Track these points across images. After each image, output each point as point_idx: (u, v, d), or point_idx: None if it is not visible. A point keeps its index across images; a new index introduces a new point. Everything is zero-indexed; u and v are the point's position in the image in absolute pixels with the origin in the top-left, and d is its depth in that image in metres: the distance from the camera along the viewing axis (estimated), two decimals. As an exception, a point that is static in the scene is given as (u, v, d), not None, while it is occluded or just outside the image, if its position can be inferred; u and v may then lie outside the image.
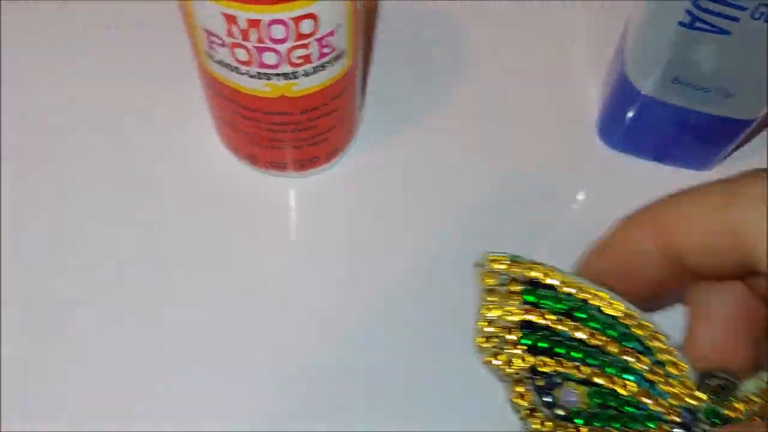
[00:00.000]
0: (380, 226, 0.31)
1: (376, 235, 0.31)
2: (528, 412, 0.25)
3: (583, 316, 0.24)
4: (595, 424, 0.24)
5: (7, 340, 0.28)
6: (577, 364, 0.24)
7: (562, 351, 0.24)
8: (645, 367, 0.24)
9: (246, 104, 0.27)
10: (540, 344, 0.24)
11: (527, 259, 0.24)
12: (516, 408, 0.25)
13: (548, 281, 0.24)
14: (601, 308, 0.24)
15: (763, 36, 0.25)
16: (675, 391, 0.24)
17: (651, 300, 0.24)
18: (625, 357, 0.24)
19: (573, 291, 0.24)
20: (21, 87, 0.33)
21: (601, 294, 0.24)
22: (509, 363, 0.25)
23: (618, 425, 0.24)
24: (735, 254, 0.20)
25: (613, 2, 0.37)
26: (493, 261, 0.24)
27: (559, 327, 0.24)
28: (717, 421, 0.24)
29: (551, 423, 0.25)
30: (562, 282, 0.24)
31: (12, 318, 0.29)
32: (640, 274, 0.23)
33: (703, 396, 0.24)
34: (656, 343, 0.24)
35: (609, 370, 0.24)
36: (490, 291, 0.24)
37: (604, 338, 0.24)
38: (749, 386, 0.24)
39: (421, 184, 0.32)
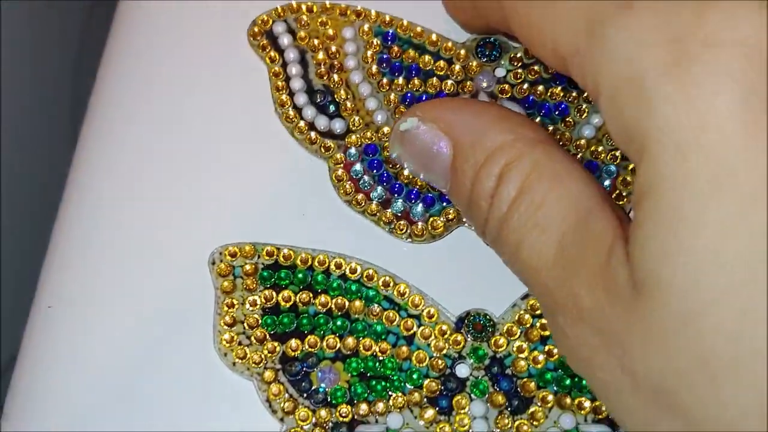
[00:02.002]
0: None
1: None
2: (290, 407, 0.23)
3: (328, 286, 0.24)
4: (357, 390, 0.23)
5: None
6: (328, 338, 0.24)
7: (309, 328, 0.24)
8: (399, 327, 0.24)
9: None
10: (285, 320, 0.24)
11: (264, 243, 0.24)
12: (273, 408, 0.23)
13: (284, 260, 0.24)
14: (347, 275, 0.24)
15: None
16: (434, 342, 0.24)
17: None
18: (376, 320, 0.24)
19: (315, 264, 0.24)
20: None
21: (341, 260, 0.24)
22: (259, 362, 0.23)
23: (382, 392, 0.23)
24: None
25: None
26: (230, 254, 0.24)
27: (301, 300, 0.24)
28: (477, 362, 0.24)
29: (312, 414, 0.23)
30: (303, 257, 0.24)
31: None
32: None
33: (462, 338, 0.24)
34: (407, 299, 0.24)
35: (361, 335, 0.24)
36: (228, 289, 0.24)
37: (353, 304, 0.24)
38: (507, 318, 0.24)
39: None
